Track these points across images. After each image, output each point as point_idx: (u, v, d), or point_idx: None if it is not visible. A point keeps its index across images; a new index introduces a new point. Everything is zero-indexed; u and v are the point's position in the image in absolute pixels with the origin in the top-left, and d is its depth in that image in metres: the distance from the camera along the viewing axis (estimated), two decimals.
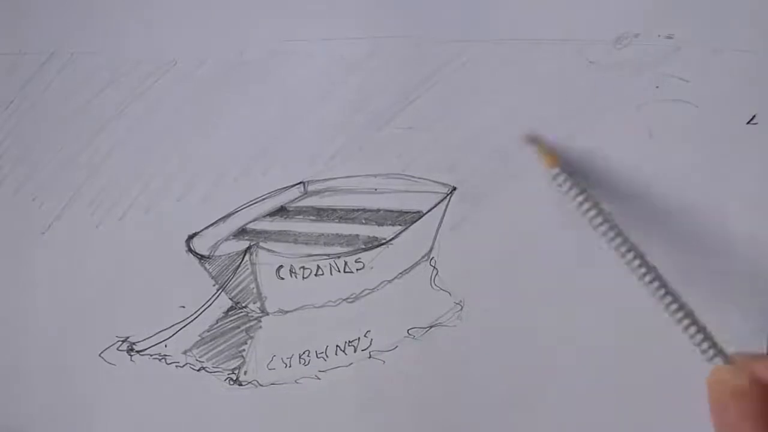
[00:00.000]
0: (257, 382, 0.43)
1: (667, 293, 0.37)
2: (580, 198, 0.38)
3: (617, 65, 0.40)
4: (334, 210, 0.43)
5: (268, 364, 0.43)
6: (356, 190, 0.42)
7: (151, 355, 0.43)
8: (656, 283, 0.37)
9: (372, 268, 0.42)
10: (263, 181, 0.42)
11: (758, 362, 0.34)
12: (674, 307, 0.37)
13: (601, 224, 0.38)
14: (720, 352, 0.36)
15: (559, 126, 0.41)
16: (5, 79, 0.42)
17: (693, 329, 0.36)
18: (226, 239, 0.43)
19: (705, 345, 0.36)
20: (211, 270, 0.43)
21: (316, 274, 0.42)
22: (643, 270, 0.37)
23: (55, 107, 0.42)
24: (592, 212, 0.38)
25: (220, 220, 0.42)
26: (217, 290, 0.43)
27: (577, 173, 0.39)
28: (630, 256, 0.37)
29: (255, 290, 0.43)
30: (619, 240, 0.38)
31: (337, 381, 0.43)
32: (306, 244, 0.43)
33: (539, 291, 0.41)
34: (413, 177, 0.42)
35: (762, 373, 0.34)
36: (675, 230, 0.41)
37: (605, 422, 0.42)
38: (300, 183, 0.42)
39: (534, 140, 0.40)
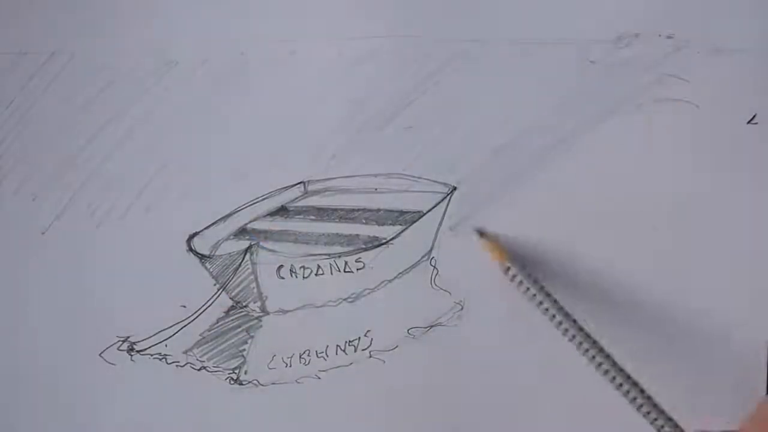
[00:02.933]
0: (257, 381, 0.43)
1: (624, 385, 0.37)
2: (533, 290, 0.39)
3: (617, 65, 0.40)
4: (335, 210, 0.43)
5: (269, 363, 0.43)
6: (356, 190, 0.42)
7: (151, 355, 0.43)
8: (612, 375, 0.38)
9: (372, 267, 0.42)
10: (263, 181, 0.42)
11: None
12: (632, 396, 0.37)
13: (554, 317, 0.39)
14: None
15: (559, 126, 0.41)
16: (6, 78, 0.42)
17: (655, 418, 0.37)
18: (227, 239, 0.43)
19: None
20: (211, 269, 0.43)
21: (316, 274, 0.43)
22: (603, 366, 0.38)
23: (55, 107, 0.42)
24: (545, 304, 0.39)
25: (220, 219, 0.42)
26: (218, 290, 0.43)
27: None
28: (586, 348, 0.38)
29: (255, 290, 0.43)
30: (572, 332, 0.38)
31: (338, 381, 0.43)
32: (306, 243, 0.43)
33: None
34: (413, 177, 0.42)
35: None
36: (674, 230, 0.41)
37: (604, 422, 0.42)
38: (300, 183, 0.42)
39: (482, 233, 0.41)
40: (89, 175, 0.42)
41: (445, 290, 0.42)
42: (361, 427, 0.43)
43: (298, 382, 0.43)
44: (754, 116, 0.40)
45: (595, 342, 0.38)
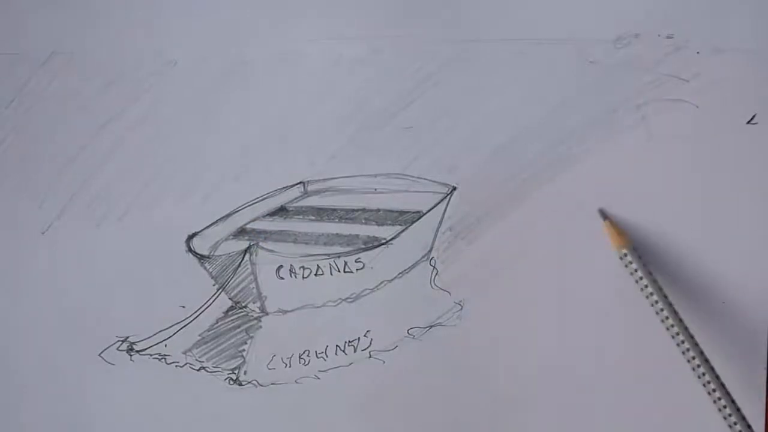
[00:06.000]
0: (257, 381, 0.43)
1: (710, 383, 0.38)
2: (644, 282, 0.39)
3: (617, 65, 0.40)
4: (334, 210, 0.43)
5: (268, 363, 0.43)
6: (356, 190, 0.42)
7: (151, 355, 0.43)
8: (702, 371, 0.38)
9: (372, 268, 0.42)
10: (263, 181, 0.42)
11: None
12: (712, 387, 0.38)
13: (661, 310, 0.39)
14: None
15: (559, 126, 0.41)
16: (5, 79, 0.42)
17: (728, 413, 0.38)
18: (226, 239, 0.43)
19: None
20: (211, 270, 0.43)
21: (316, 274, 0.42)
22: (695, 361, 0.39)
23: (55, 107, 0.42)
24: (654, 297, 0.39)
25: (220, 220, 0.42)
26: (217, 290, 0.43)
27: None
28: (690, 355, 0.39)
29: (255, 290, 0.43)
30: (675, 330, 0.39)
31: (337, 381, 0.43)
32: (306, 243, 0.43)
33: (539, 291, 0.41)
34: (413, 177, 0.42)
35: None
36: (674, 230, 0.41)
37: (604, 421, 0.42)
38: (300, 183, 0.42)
39: (605, 216, 0.41)
40: (89, 175, 0.43)
41: (444, 290, 0.42)
42: (360, 427, 0.43)
43: (298, 383, 0.43)
44: (754, 116, 0.40)
45: (693, 339, 0.39)
